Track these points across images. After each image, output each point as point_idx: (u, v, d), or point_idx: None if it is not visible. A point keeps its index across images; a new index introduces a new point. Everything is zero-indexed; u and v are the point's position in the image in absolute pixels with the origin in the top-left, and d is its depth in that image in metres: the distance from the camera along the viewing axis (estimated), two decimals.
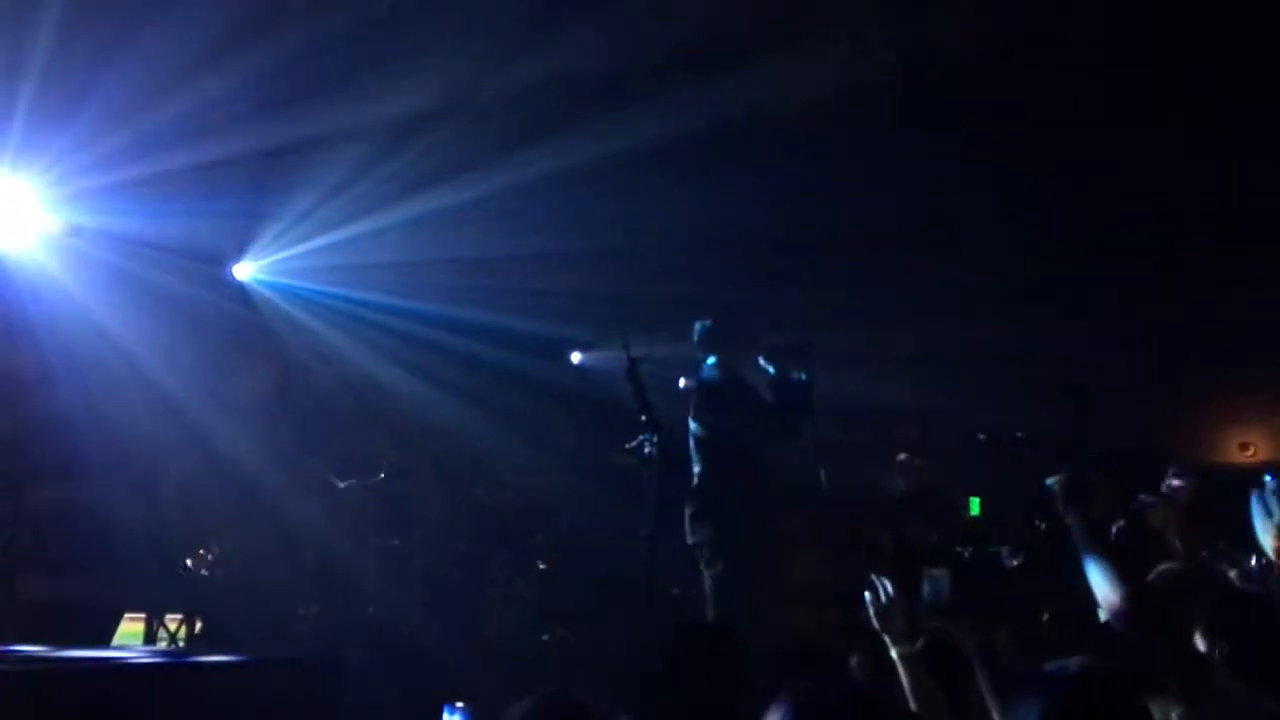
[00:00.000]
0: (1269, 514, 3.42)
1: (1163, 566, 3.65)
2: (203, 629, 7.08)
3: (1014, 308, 9.05)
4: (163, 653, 6.68)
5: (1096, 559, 3.28)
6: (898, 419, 8.88)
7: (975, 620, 3.56)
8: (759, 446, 5.94)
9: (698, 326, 6.13)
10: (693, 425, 5.99)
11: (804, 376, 5.86)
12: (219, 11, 5.55)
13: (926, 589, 3.73)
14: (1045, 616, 5.55)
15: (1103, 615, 3.42)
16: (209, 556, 7.09)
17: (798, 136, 7.28)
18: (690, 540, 5.87)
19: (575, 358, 10.18)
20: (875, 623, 3.35)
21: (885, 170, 7.55)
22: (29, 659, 5.22)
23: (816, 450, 6.04)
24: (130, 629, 7.09)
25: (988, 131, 7.15)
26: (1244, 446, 10.20)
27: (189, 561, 7.13)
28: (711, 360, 6.04)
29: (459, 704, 3.98)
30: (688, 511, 5.88)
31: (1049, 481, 3.53)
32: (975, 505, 7.65)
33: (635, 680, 3.10)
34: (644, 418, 5.26)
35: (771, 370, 5.90)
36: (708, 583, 5.77)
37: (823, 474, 5.76)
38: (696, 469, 5.96)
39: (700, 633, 3.52)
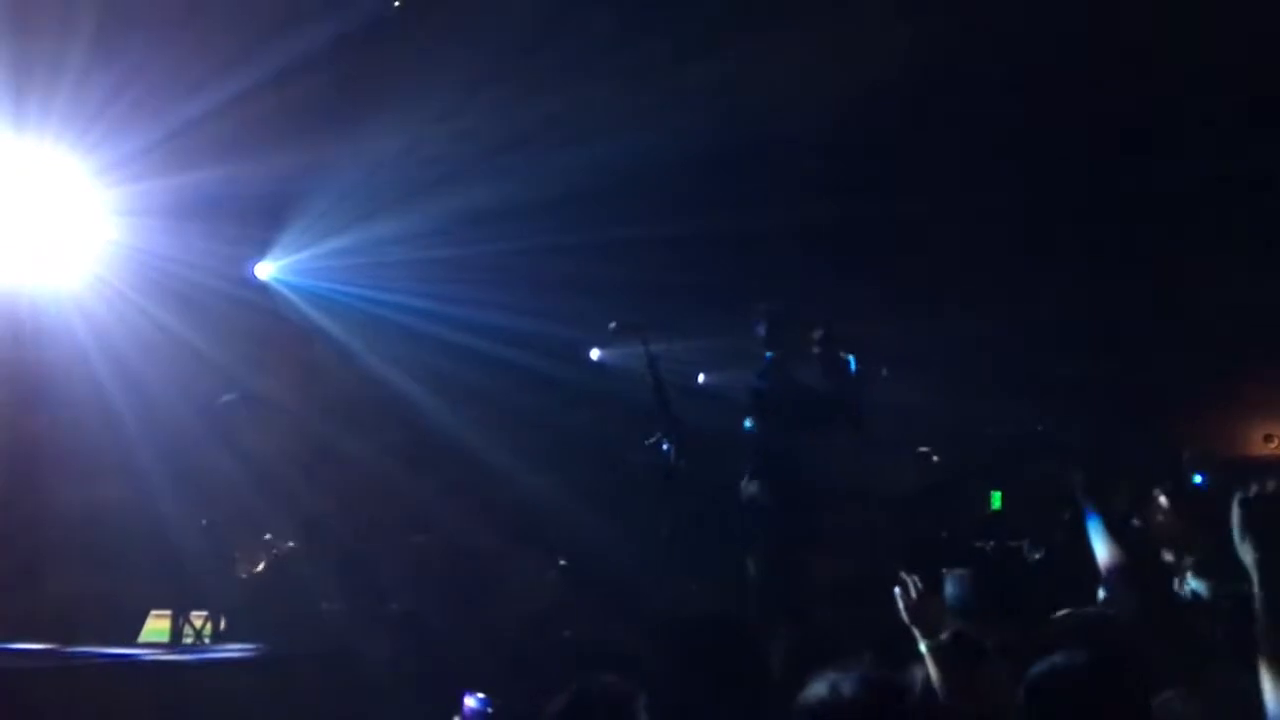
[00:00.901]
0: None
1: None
2: (228, 625, 7.13)
3: (1032, 301, 9.03)
4: (189, 649, 6.74)
5: (1096, 521, 3.40)
6: (916, 415, 8.85)
7: (996, 622, 3.57)
8: (811, 445, 6.06)
9: (757, 325, 6.21)
10: (747, 423, 6.12)
11: (853, 366, 5.94)
12: (246, 18, 5.61)
13: (949, 589, 3.71)
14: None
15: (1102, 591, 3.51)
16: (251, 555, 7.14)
17: (803, 135, 7.30)
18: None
19: (594, 354, 10.19)
20: (905, 617, 3.35)
21: (890, 170, 7.55)
22: (53, 655, 5.27)
23: (865, 445, 6.13)
24: (156, 626, 7.15)
25: (990, 132, 7.15)
26: (1268, 438, 10.17)
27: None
28: (768, 356, 6.12)
29: (479, 694, 4.03)
30: (741, 501, 6.03)
31: (1075, 477, 3.57)
32: (996, 499, 7.64)
33: (653, 677, 3.12)
34: (662, 414, 5.29)
35: (825, 363, 6.00)
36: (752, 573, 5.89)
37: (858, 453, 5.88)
38: (750, 466, 6.10)
39: (715, 627, 3.53)
